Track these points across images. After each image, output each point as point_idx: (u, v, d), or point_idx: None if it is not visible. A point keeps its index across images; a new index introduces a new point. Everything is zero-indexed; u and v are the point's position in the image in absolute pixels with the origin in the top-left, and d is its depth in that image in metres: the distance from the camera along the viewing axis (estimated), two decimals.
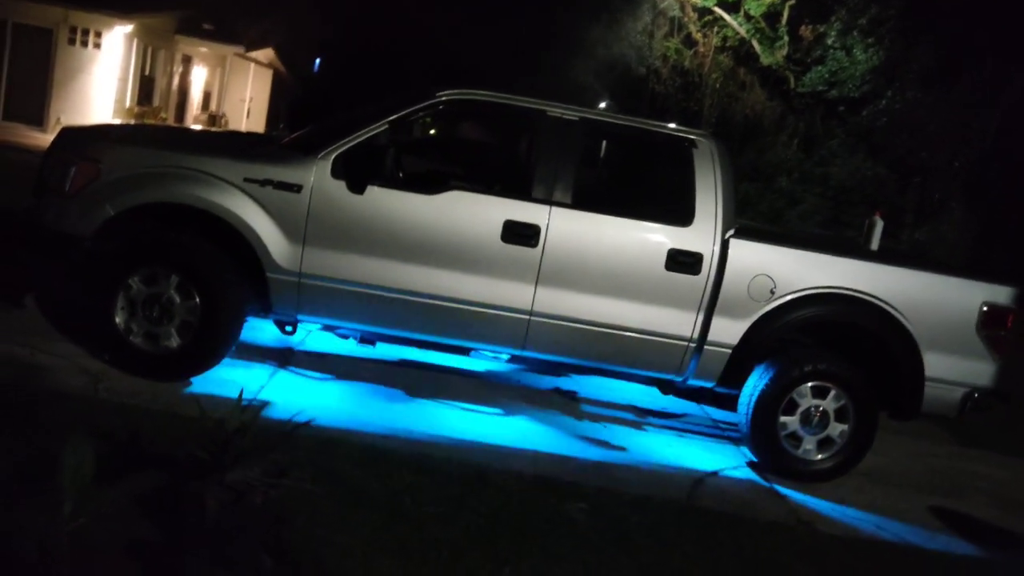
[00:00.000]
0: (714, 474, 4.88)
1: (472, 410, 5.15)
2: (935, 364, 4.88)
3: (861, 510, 4.75)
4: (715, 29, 22.99)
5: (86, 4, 18.84)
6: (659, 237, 4.78)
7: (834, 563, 4.00)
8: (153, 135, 5.30)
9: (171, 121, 21.71)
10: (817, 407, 4.90)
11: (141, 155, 4.55)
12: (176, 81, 23.16)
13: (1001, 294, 4.94)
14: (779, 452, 4.93)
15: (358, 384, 5.21)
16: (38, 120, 18.66)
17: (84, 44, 19.21)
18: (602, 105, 24.24)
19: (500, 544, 3.43)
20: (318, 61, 36.89)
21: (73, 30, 19.08)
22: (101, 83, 19.19)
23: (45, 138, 5.13)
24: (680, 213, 4.82)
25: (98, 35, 19.17)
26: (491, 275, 4.69)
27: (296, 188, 4.54)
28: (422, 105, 4.74)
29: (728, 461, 5.15)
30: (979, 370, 4.94)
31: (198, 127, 19.22)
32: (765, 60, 22.26)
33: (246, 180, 4.51)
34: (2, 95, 18.90)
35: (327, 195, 4.57)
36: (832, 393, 4.89)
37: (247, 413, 3.32)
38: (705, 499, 4.46)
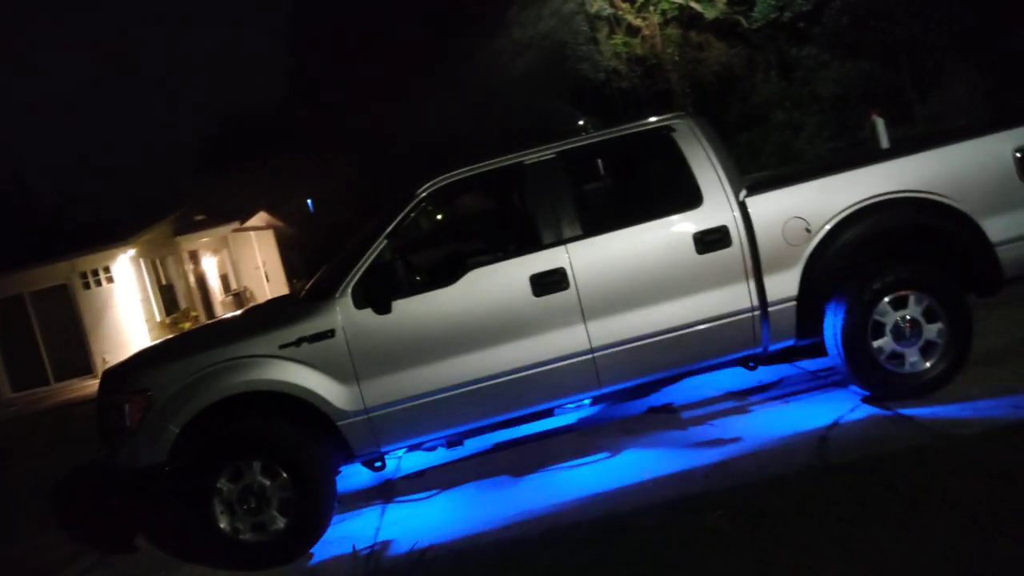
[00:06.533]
0: (834, 425, 4.71)
1: (580, 464, 5.07)
2: (996, 228, 4.71)
3: (991, 398, 4.54)
4: (651, 8, 23.06)
5: (86, 247, 19.67)
6: (679, 227, 4.74)
7: (988, 462, 3.81)
8: (183, 344, 5.42)
9: (202, 316, 22.31)
10: (904, 318, 4.73)
11: (179, 368, 4.65)
12: (192, 278, 23.91)
13: None
14: (886, 377, 4.76)
15: (465, 488, 5.17)
16: (86, 369, 19.35)
17: (98, 283, 20.02)
18: (580, 123, 24.35)
19: None
20: (310, 201, 37.74)
21: (84, 275, 19.94)
22: (127, 310, 19.93)
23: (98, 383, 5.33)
24: (688, 197, 4.78)
25: (107, 270, 19.97)
26: (540, 332, 4.66)
27: (329, 333, 4.60)
28: (407, 208, 4.79)
29: (842, 406, 4.97)
30: None
31: (228, 314, 19.72)
32: (709, 15, 22.22)
33: (281, 347, 4.59)
34: (46, 361, 19.66)
35: (359, 327, 4.62)
36: (911, 298, 4.72)
37: (370, 562, 3.30)
38: (836, 454, 4.31)
